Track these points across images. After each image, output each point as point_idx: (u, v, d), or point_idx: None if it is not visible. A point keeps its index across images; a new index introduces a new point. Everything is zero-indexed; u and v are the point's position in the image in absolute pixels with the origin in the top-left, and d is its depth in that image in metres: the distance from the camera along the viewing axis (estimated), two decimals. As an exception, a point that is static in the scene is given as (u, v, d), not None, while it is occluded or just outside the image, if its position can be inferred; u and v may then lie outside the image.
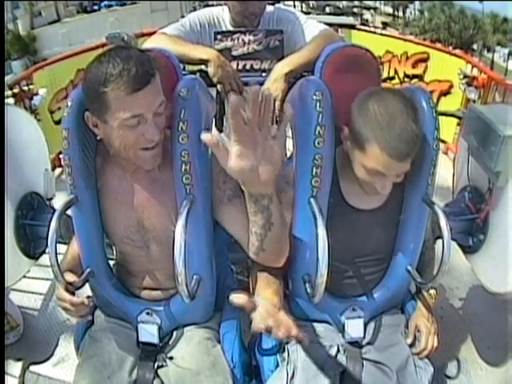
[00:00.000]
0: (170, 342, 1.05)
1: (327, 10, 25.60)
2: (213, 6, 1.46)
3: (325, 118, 0.92)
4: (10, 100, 2.56)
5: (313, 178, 0.94)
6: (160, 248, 1.00)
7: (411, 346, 1.08)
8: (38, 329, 1.75)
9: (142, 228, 0.99)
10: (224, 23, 1.40)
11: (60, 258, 0.94)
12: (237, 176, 0.71)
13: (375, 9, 31.07)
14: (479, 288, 1.52)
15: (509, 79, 3.16)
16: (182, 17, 1.46)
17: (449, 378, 1.14)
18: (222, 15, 1.40)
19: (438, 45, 4.71)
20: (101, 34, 4.73)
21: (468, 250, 1.42)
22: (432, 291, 1.12)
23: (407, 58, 3.69)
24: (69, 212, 0.98)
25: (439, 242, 1.00)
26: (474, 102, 2.93)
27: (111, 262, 1.07)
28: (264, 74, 1.22)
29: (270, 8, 1.38)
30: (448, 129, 2.94)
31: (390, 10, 31.34)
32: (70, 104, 0.93)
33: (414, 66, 3.67)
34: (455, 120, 2.89)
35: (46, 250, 1.32)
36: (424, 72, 3.61)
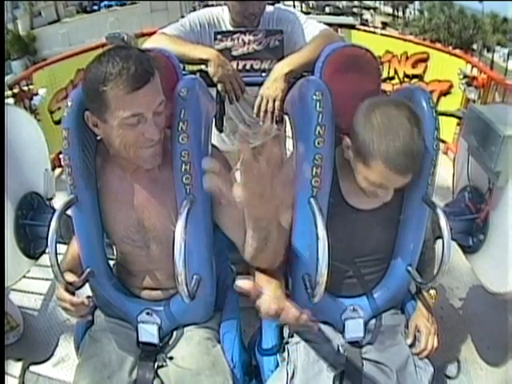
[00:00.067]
0: (170, 342, 1.05)
1: (327, 10, 25.57)
2: (213, 6, 1.46)
3: (325, 118, 0.92)
4: (10, 100, 2.56)
5: (313, 178, 0.94)
6: (160, 248, 1.00)
7: (411, 346, 1.08)
8: (38, 329, 1.75)
9: (143, 228, 0.99)
10: (224, 23, 1.40)
11: (60, 258, 0.94)
12: (238, 204, 0.67)
13: (375, 9, 31.06)
14: (479, 288, 1.52)
15: (509, 79, 3.16)
16: (182, 17, 1.46)
17: (449, 377, 1.14)
18: (222, 15, 1.40)
19: (438, 45, 4.71)
20: (101, 34, 4.73)
21: (468, 250, 1.42)
22: (432, 291, 1.12)
23: (407, 57, 3.70)
24: (69, 212, 0.98)
25: (439, 241, 1.00)
26: (474, 101, 2.93)
27: (111, 262, 1.07)
28: (264, 74, 1.22)
29: (269, 8, 1.38)
30: (448, 129, 2.94)
31: (389, 10, 31.32)
32: (69, 104, 0.93)
33: (413, 65, 3.67)
34: (455, 120, 2.89)
35: (46, 250, 1.32)
36: (424, 72, 3.61)
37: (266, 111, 1.17)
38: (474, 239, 1.39)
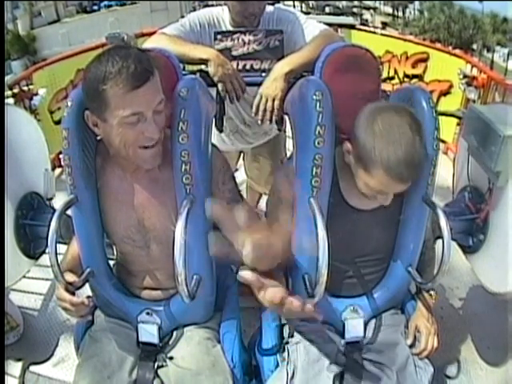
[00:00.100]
0: (170, 342, 1.05)
1: (327, 10, 25.57)
2: (213, 6, 1.46)
3: (325, 118, 0.92)
4: (10, 100, 2.56)
5: (313, 178, 0.94)
6: (160, 248, 1.00)
7: (411, 346, 1.08)
8: (38, 329, 1.75)
9: (143, 228, 0.99)
10: (224, 23, 1.39)
11: (60, 257, 0.94)
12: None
13: (375, 9, 31.05)
14: (479, 288, 1.52)
15: (509, 79, 3.16)
16: (182, 17, 1.45)
17: (449, 378, 1.14)
18: (222, 15, 1.40)
19: (438, 45, 4.72)
20: (101, 34, 4.74)
21: (468, 250, 1.42)
22: (432, 292, 1.12)
23: (407, 57, 3.69)
24: (69, 212, 0.98)
25: (439, 241, 1.00)
26: (474, 101, 2.93)
27: (111, 262, 1.07)
28: (264, 74, 1.22)
29: (269, 8, 1.38)
30: (448, 129, 2.94)
31: (389, 9, 31.31)
32: (69, 104, 0.93)
33: (413, 65, 3.67)
34: (455, 120, 2.89)
35: (46, 250, 1.32)
36: (424, 72, 3.61)
37: (264, 110, 1.17)
38: (474, 239, 1.38)
